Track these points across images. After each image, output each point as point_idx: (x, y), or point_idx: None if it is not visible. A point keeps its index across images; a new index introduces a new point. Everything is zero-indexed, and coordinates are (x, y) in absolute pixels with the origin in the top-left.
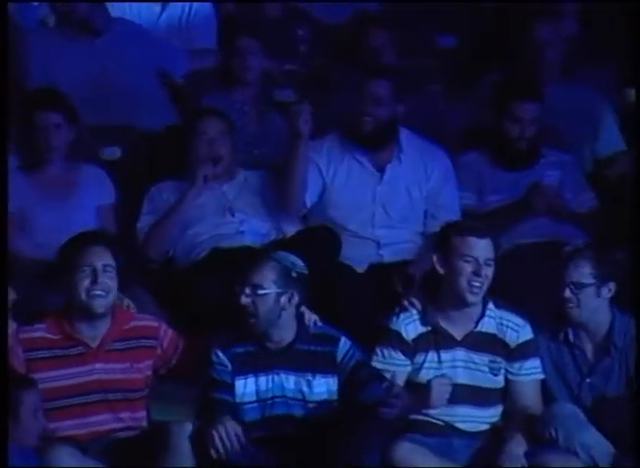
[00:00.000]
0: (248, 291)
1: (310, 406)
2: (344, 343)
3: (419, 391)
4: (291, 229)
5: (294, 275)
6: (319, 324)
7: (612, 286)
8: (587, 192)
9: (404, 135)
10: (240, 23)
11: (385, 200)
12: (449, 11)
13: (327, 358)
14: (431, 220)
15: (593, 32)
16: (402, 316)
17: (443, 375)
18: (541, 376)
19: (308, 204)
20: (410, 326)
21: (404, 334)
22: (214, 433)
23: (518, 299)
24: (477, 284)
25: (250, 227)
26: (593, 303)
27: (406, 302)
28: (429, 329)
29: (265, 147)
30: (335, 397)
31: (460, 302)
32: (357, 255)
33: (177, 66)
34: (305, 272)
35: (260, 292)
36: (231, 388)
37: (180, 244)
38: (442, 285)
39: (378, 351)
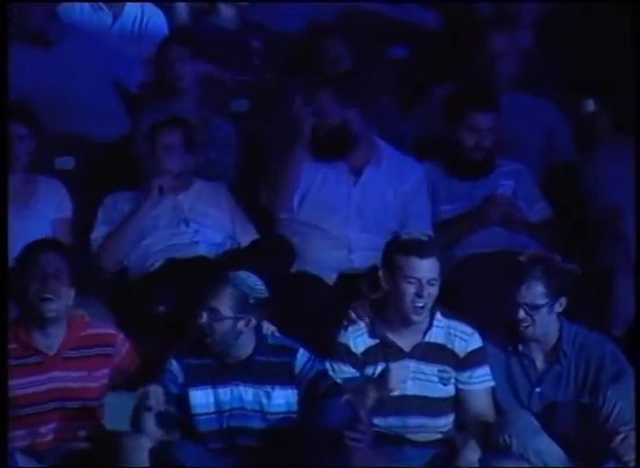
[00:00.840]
0: (205, 314)
1: (269, 417)
2: (302, 354)
3: (378, 377)
4: (245, 239)
5: (251, 301)
6: (277, 335)
7: (563, 300)
8: (541, 202)
9: (381, 143)
10: (172, 33)
11: (360, 202)
12: (401, 21)
13: (285, 369)
14: (400, 229)
15: (549, 42)
16: (350, 329)
17: (401, 361)
18: (492, 383)
19: (295, 207)
20: (358, 339)
21: (352, 348)
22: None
23: (470, 309)
24: (420, 304)
25: (204, 237)
26: (546, 320)
27: (354, 315)
28: (378, 341)
29: (212, 154)
30: (294, 408)
31: (405, 321)
32: (328, 259)
33: (130, 76)
34: (264, 295)
35: (217, 316)
36: (170, 396)
37: (135, 254)
38: (388, 300)
39: (327, 365)
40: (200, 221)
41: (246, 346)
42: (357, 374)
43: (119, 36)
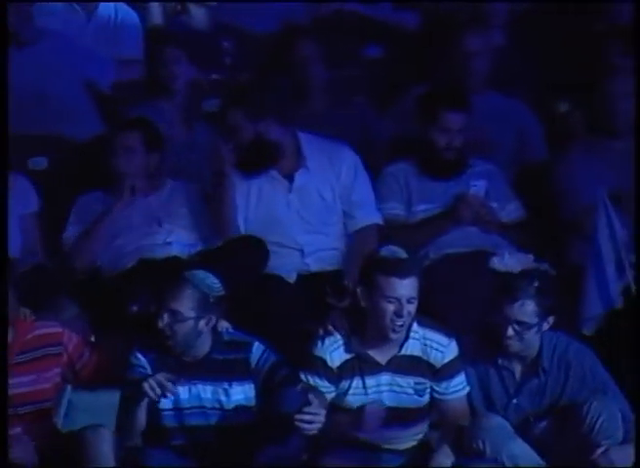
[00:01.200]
0: (166, 316)
1: (229, 414)
2: (257, 348)
3: (351, 416)
4: (218, 240)
5: (211, 300)
6: (231, 331)
7: (551, 319)
8: (513, 202)
9: (304, 139)
10: (165, 34)
11: (299, 206)
12: (376, 21)
13: (241, 365)
14: (350, 220)
15: (522, 42)
16: (327, 342)
17: (376, 401)
18: (467, 389)
19: (242, 227)
20: (335, 353)
21: (329, 362)
22: (144, 384)
23: (445, 309)
24: (399, 323)
25: (177, 238)
26: (533, 338)
27: (331, 327)
28: (354, 355)
29: (193, 156)
30: (252, 403)
31: (383, 339)
32: (284, 265)
33: (104, 77)
34: (222, 293)
35: (179, 318)
36: None
37: (108, 254)
38: (366, 316)
39: (302, 377)
40: (173, 222)
41: (204, 345)
42: (331, 388)
43: (93, 37)
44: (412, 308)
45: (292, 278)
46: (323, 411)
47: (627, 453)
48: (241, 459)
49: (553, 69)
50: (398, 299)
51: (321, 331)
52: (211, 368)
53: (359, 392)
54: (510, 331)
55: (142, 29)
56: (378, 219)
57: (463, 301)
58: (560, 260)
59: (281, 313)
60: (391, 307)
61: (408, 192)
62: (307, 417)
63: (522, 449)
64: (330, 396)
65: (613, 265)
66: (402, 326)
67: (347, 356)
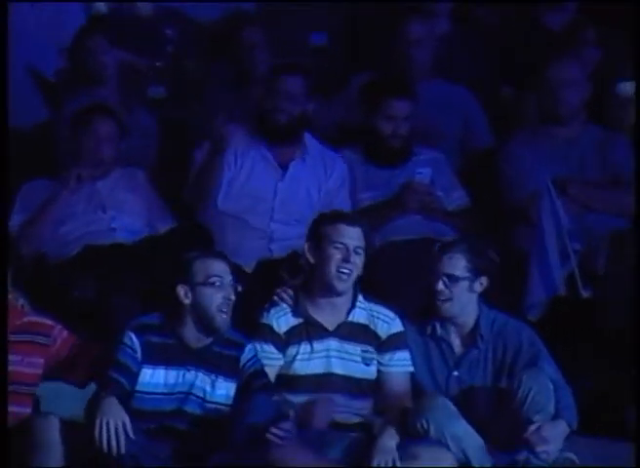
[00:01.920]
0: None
1: (207, 405)
2: (249, 351)
3: (302, 409)
4: (163, 226)
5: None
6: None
7: (484, 280)
8: (458, 189)
9: (307, 137)
10: (92, 21)
11: (285, 196)
12: (321, 9)
13: (233, 362)
14: None
15: (466, 30)
16: (273, 310)
17: (328, 398)
18: (411, 369)
19: (220, 205)
20: (281, 319)
21: (275, 328)
22: (98, 422)
23: (389, 295)
24: (346, 270)
25: (122, 224)
26: (465, 297)
27: (276, 297)
28: (301, 321)
29: (132, 142)
30: (230, 402)
31: (330, 290)
32: (247, 249)
33: (47, 64)
34: None
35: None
36: (131, 374)
37: (53, 241)
38: (313, 274)
39: (251, 346)
40: (118, 208)
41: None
42: (279, 355)
43: (36, 23)
44: (358, 260)
45: (250, 267)
46: (295, 431)
47: (560, 430)
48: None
49: (498, 56)
50: (345, 245)
51: (269, 301)
52: (208, 358)
53: (307, 357)
54: (440, 286)
55: (85, 16)
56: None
57: (408, 287)
58: (505, 248)
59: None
60: (338, 254)
61: (353, 180)
62: (282, 434)
63: (465, 430)
64: (278, 363)
65: (557, 252)
66: (348, 275)
67: (295, 322)
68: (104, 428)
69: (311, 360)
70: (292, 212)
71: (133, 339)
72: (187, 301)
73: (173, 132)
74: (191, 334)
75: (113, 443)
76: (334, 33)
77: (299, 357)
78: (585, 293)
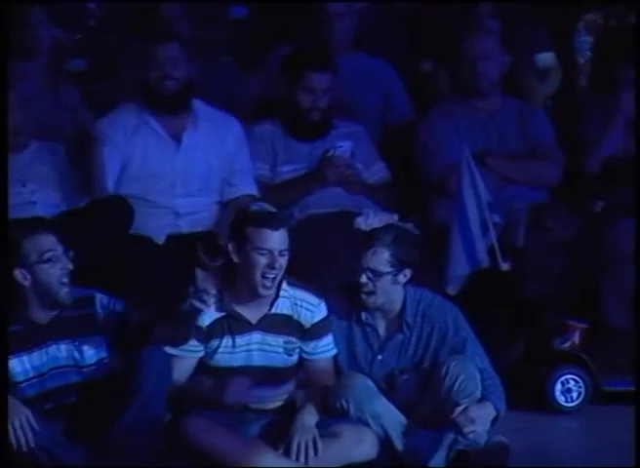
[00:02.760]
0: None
1: (85, 370)
2: (101, 300)
3: (218, 382)
4: (82, 200)
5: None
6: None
7: (407, 272)
8: (378, 162)
9: (196, 103)
10: None
11: (185, 168)
12: None
13: (89, 320)
14: (227, 187)
15: (387, 3)
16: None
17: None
18: (335, 351)
19: (111, 188)
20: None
21: (199, 321)
22: (10, 426)
23: (312, 270)
24: (271, 276)
25: (41, 198)
26: (389, 289)
27: (200, 285)
28: (224, 314)
29: (59, 117)
30: (104, 355)
31: (254, 294)
32: (156, 226)
33: None
34: None
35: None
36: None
37: None
38: (237, 272)
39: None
40: (37, 181)
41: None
42: (200, 347)
43: None
44: (283, 261)
45: (160, 239)
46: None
47: (487, 412)
48: (105, 417)
49: (418, 29)
50: (270, 251)
51: (191, 291)
52: (62, 327)
53: (228, 351)
54: (364, 279)
55: None
56: (254, 191)
57: (329, 261)
58: (425, 220)
59: (149, 273)
60: (263, 260)
61: (274, 153)
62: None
63: (385, 408)
64: (198, 355)
65: (477, 224)
66: (274, 279)
67: (218, 315)
68: (11, 428)
69: (233, 353)
70: (193, 183)
71: None
72: (27, 283)
73: (92, 104)
74: (38, 312)
75: (22, 439)
76: (254, 6)
77: (220, 350)
78: (505, 266)
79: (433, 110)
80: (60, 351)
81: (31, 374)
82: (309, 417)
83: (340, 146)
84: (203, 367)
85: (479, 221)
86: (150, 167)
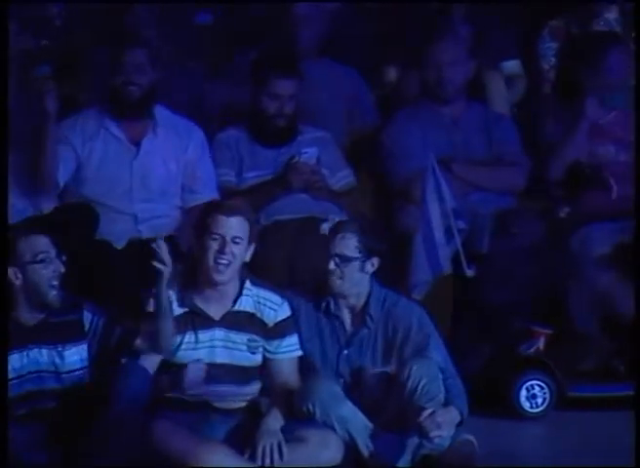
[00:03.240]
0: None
1: (64, 377)
2: (88, 308)
3: (174, 373)
4: (48, 206)
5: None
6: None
7: (375, 261)
8: (344, 168)
9: (158, 110)
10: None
11: (143, 174)
12: None
13: (75, 326)
14: (189, 194)
15: (354, 8)
16: None
17: (198, 360)
18: (299, 353)
19: (61, 183)
20: None
21: None
22: None
23: (277, 275)
24: (223, 261)
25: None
26: (356, 276)
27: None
28: (187, 310)
29: (26, 123)
30: (85, 364)
31: (209, 281)
32: (116, 231)
33: None
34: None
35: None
36: None
37: None
38: (196, 265)
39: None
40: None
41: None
42: None
43: None
44: (237, 249)
45: (120, 244)
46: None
47: (452, 416)
48: (80, 423)
49: (384, 36)
50: (222, 236)
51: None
52: (47, 332)
53: (191, 347)
54: (332, 266)
55: None
56: (216, 198)
57: (295, 267)
58: (390, 227)
59: (109, 278)
60: (215, 245)
61: (239, 159)
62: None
63: (351, 412)
64: None
65: (442, 231)
66: (226, 265)
67: (180, 311)
68: None
69: (196, 350)
70: (152, 188)
71: None
72: (18, 282)
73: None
74: (25, 313)
75: None
76: (220, 13)
77: (183, 346)
78: (470, 272)
79: (399, 115)
80: (42, 355)
81: (11, 375)
82: (274, 422)
83: (306, 152)
84: (166, 365)
85: (443, 228)
86: (109, 171)
